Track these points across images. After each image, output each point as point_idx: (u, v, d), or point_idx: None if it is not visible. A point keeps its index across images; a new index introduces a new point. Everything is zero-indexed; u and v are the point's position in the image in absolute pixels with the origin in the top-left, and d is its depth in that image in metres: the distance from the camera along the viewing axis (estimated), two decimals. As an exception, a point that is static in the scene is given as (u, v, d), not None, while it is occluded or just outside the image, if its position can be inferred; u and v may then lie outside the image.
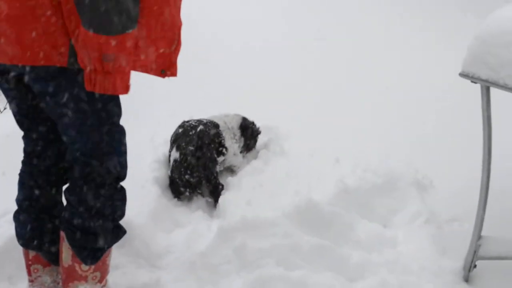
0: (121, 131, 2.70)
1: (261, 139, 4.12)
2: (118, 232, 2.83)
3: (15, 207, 3.19)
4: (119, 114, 2.64)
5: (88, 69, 2.30)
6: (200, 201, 3.67)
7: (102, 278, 2.85)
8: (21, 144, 3.65)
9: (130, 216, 3.26)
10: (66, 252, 2.77)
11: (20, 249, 2.97)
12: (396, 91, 4.95)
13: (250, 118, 4.08)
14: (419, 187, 3.66)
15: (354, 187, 3.60)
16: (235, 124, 3.94)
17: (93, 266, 2.79)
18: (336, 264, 3.14)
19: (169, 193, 3.69)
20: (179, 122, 3.82)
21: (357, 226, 3.37)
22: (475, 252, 3.03)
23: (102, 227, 2.72)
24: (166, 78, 2.64)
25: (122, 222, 2.88)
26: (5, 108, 6.01)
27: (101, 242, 2.74)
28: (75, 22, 2.29)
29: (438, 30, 6.05)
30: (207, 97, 4.33)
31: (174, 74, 2.64)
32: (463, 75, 2.77)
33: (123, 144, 2.72)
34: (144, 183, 3.62)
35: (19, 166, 3.53)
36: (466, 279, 3.08)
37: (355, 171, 3.75)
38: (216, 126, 3.77)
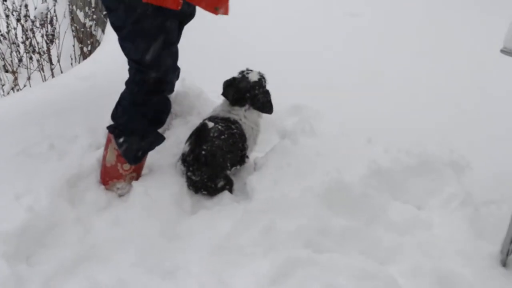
0: (176, 53, 3.29)
1: (290, 119, 4.11)
2: (159, 137, 3.42)
3: (35, 188, 3.25)
4: (173, 32, 3.16)
5: None
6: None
7: (137, 177, 3.45)
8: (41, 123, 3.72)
9: (155, 197, 3.32)
10: (111, 153, 3.37)
11: (38, 229, 3.09)
12: (431, 69, 4.94)
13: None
14: (455, 168, 3.63)
15: (387, 168, 3.57)
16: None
17: (133, 167, 3.37)
18: (367, 247, 3.14)
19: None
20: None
21: (389, 208, 3.36)
22: (513, 235, 3.02)
23: (147, 130, 3.31)
24: (219, 15, 3.02)
25: (146, 205, 3.26)
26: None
27: (144, 144, 3.34)
28: None
29: (475, 6, 6.00)
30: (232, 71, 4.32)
31: (226, 12, 3.00)
32: (505, 51, 2.76)
33: (175, 63, 3.33)
34: (167, 164, 3.66)
35: (38, 147, 3.61)
36: (504, 264, 3.07)
37: (388, 151, 3.72)
38: (243, 138, 3.66)
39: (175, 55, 3.33)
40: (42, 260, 3.00)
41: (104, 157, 3.42)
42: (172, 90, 3.51)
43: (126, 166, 3.38)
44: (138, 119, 3.29)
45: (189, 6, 3.25)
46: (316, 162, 3.62)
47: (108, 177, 3.41)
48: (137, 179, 3.45)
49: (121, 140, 3.33)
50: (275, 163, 3.57)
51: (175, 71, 3.44)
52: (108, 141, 3.40)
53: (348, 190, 3.38)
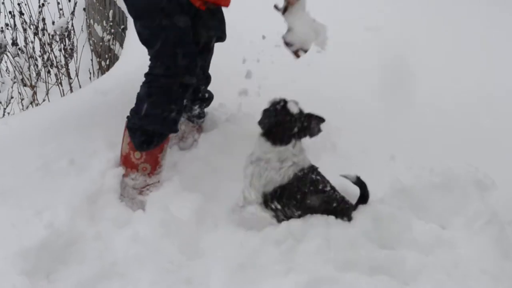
0: (191, 54, 3.49)
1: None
2: (166, 127, 3.54)
3: (55, 204, 3.28)
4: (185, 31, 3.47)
5: None
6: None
7: (151, 172, 3.61)
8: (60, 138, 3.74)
9: (175, 212, 3.35)
10: (125, 141, 3.58)
11: (58, 245, 3.12)
12: (454, 86, 4.92)
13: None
14: (479, 186, 3.60)
15: (410, 186, 3.56)
16: None
17: (144, 156, 3.55)
18: (390, 266, 3.13)
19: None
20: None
21: (413, 226, 3.34)
22: (539, 256, 3.00)
23: (158, 121, 3.48)
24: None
25: (167, 221, 3.30)
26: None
27: (153, 132, 3.51)
28: None
29: (499, 26, 5.98)
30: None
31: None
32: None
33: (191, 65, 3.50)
34: (188, 179, 3.68)
35: (58, 162, 3.64)
36: (532, 285, 3.05)
37: (411, 169, 3.72)
38: None
39: (189, 56, 3.47)
40: (62, 277, 3.02)
41: (122, 146, 3.62)
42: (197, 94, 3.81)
43: (137, 155, 3.56)
44: (148, 106, 3.47)
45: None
46: (338, 180, 3.61)
47: (125, 166, 3.62)
48: (150, 174, 3.60)
49: (129, 123, 3.55)
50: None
51: (192, 74, 3.51)
52: (125, 131, 3.60)
53: (370, 209, 3.37)
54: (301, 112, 3.38)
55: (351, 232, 3.23)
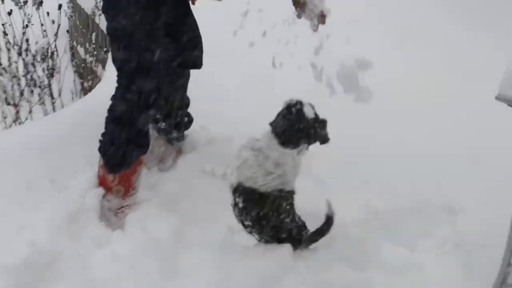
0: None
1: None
2: (137, 151, 3.58)
3: (36, 222, 3.32)
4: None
5: None
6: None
7: (125, 193, 3.62)
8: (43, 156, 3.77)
9: (153, 231, 3.43)
10: (99, 164, 3.60)
11: (39, 263, 3.15)
12: (426, 112, 4.93)
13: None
14: (448, 211, 3.70)
15: (381, 210, 3.66)
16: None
17: (117, 179, 3.57)
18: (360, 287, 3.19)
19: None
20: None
21: (382, 249, 3.41)
22: (503, 279, 3.04)
23: (122, 145, 3.51)
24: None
25: (145, 240, 3.33)
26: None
27: (120, 156, 3.53)
28: None
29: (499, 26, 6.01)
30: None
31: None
32: (499, 98, 2.78)
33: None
34: (165, 196, 3.75)
35: (39, 180, 3.68)
36: (496, 308, 3.11)
37: (382, 193, 3.82)
38: None
39: (153, 85, 3.48)
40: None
41: (98, 168, 3.65)
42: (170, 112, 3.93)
43: (111, 177, 3.58)
44: (113, 131, 3.54)
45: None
46: (312, 204, 3.66)
47: (101, 187, 3.62)
48: (124, 195, 3.62)
49: (99, 146, 3.60)
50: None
51: (153, 103, 3.53)
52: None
53: (343, 230, 3.46)
54: (316, 117, 3.23)
55: (323, 253, 3.31)
